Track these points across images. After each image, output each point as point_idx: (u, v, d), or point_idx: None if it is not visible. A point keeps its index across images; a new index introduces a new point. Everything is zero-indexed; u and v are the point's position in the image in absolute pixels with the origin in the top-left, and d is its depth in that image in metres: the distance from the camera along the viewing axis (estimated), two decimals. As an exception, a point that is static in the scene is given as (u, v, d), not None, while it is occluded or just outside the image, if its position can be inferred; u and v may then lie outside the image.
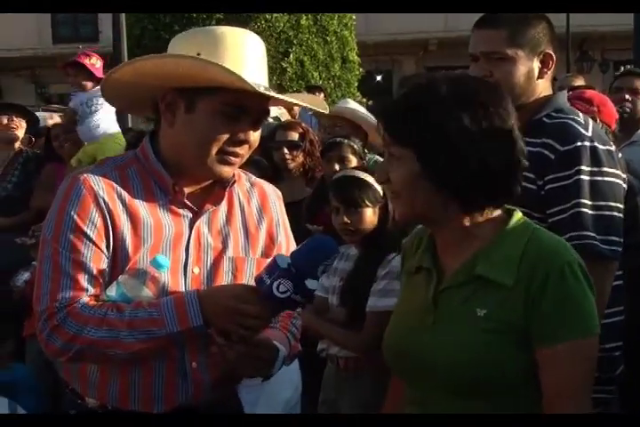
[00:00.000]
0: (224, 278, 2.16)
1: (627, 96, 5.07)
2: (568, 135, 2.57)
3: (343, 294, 3.34)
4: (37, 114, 6.70)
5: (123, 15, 10.29)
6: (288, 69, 13.35)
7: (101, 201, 2.06)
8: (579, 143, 2.54)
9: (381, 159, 4.92)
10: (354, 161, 4.42)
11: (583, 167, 2.52)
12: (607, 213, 2.53)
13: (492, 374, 1.78)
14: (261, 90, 2.04)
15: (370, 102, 13.57)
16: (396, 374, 2.08)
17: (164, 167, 2.14)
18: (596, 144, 2.56)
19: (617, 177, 2.59)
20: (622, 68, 19.88)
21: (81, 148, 5.77)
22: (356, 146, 4.48)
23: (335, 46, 14.14)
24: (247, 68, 2.05)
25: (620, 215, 2.57)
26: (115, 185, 2.10)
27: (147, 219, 2.09)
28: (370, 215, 3.35)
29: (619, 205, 2.57)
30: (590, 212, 2.51)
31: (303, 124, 5.00)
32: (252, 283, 2.03)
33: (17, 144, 5.75)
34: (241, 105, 2.05)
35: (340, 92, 13.87)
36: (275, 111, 6.67)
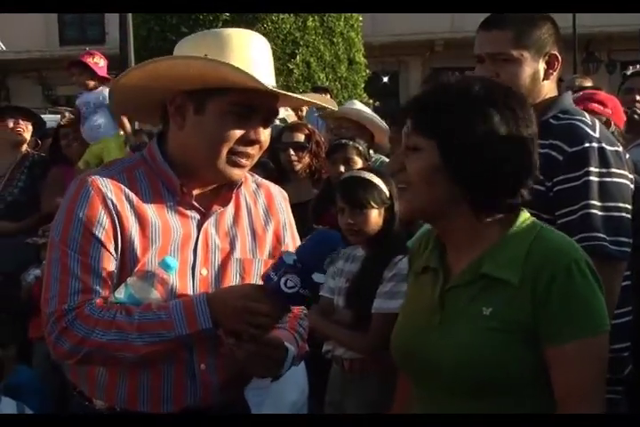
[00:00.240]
0: (232, 280, 2.16)
1: (637, 97, 5.05)
2: (576, 136, 2.57)
3: (349, 295, 3.35)
4: (44, 116, 6.71)
5: (129, 16, 10.32)
6: (294, 71, 13.33)
7: (109, 203, 2.06)
8: (587, 144, 2.54)
9: (387, 160, 4.94)
10: (359, 162, 4.43)
11: (592, 168, 2.52)
12: (616, 214, 2.54)
13: (497, 374, 1.78)
14: (271, 88, 2.05)
15: (376, 104, 13.57)
16: (404, 374, 2.08)
17: (171, 169, 2.14)
18: (603, 145, 2.56)
19: (625, 178, 2.60)
20: (630, 68, 19.87)
21: (87, 147, 5.77)
22: (361, 147, 4.49)
23: (342, 48, 14.11)
24: (254, 69, 2.05)
25: (629, 216, 2.57)
26: (123, 187, 2.10)
27: (155, 220, 2.09)
28: (375, 216, 3.35)
29: (627, 206, 2.58)
30: (599, 213, 2.51)
31: (309, 126, 5.00)
32: (260, 284, 2.03)
33: (24, 147, 5.76)
34: (250, 104, 2.05)
35: (347, 94, 13.84)
36: (282, 113, 6.68)
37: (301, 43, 13.57)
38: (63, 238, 2.05)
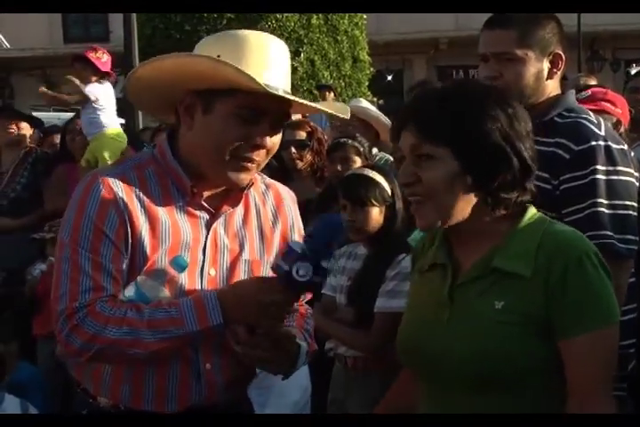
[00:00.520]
0: None
1: None
2: (582, 135, 2.57)
3: (351, 293, 3.35)
4: (49, 114, 6.72)
5: (134, 15, 10.31)
6: (299, 69, 13.33)
7: (120, 201, 2.05)
8: (593, 143, 2.55)
9: (392, 158, 4.93)
10: (357, 161, 4.43)
11: (598, 167, 2.53)
12: (623, 211, 2.55)
13: (506, 367, 1.79)
14: (280, 93, 2.02)
15: (380, 102, 13.57)
16: (411, 371, 2.08)
17: (181, 169, 2.13)
18: (610, 143, 2.57)
19: (631, 176, 2.61)
20: (634, 66, 19.85)
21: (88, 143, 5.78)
22: (359, 146, 4.48)
23: (346, 46, 14.13)
24: (267, 71, 2.03)
25: (635, 214, 2.58)
26: (133, 185, 2.09)
27: (164, 220, 2.09)
28: (375, 214, 3.35)
29: (634, 203, 2.59)
30: (607, 211, 2.52)
31: (311, 124, 4.97)
32: (269, 276, 2.04)
33: (27, 142, 5.78)
34: (258, 108, 2.02)
35: (351, 92, 13.86)
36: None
37: (305, 41, 13.59)
38: (74, 236, 2.04)
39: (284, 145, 4.69)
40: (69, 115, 7.48)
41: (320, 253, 1.93)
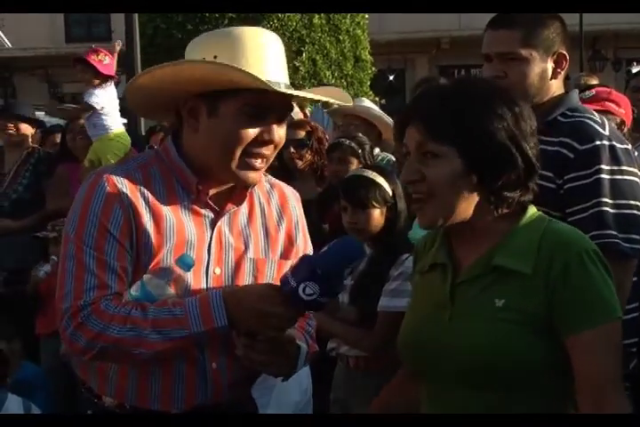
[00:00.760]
0: (245, 280, 2.16)
1: None
2: (586, 134, 2.58)
3: (354, 293, 3.35)
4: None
5: (135, 14, 10.29)
6: (300, 68, 13.32)
7: (125, 199, 2.05)
8: (598, 142, 2.55)
9: (394, 158, 4.92)
10: (354, 162, 4.42)
11: (603, 166, 2.54)
12: (627, 211, 2.55)
13: (506, 362, 1.79)
14: (282, 88, 2.03)
15: (382, 101, 13.55)
16: (412, 368, 2.09)
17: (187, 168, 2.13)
18: (614, 143, 2.57)
19: (635, 175, 2.62)
20: (635, 64, 19.82)
21: (91, 142, 5.77)
22: (357, 147, 4.47)
23: (348, 45, 14.11)
24: (266, 67, 2.04)
25: (639, 213, 2.58)
26: (138, 184, 2.09)
27: (169, 218, 2.09)
28: (377, 216, 3.35)
29: (638, 203, 2.60)
30: (611, 210, 2.53)
31: (312, 123, 4.96)
32: (276, 284, 2.02)
33: (29, 142, 5.78)
34: (263, 105, 2.03)
35: (353, 91, 13.82)
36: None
37: (307, 40, 13.57)
38: (78, 234, 2.04)
39: (284, 145, 4.68)
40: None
41: (332, 274, 1.90)
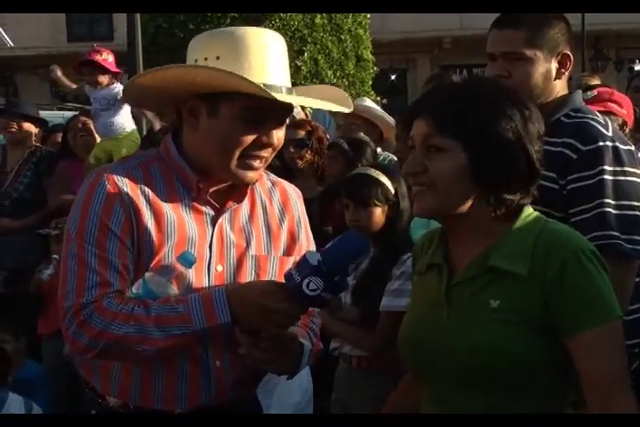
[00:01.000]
0: (247, 277, 2.16)
1: None
2: (589, 135, 2.58)
3: (356, 292, 3.35)
4: (54, 113, 6.70)
5: (137, 14, 10.30)
6: (302, 68, 13.32)
7: (125, 197, 2.06)
8: (601, 143, 2.55)
9: (395, 158, 4.92)
10: (341, 161, 4.46)
11: (606, 167, 2.54)
12: (630, 212, 2.55)
13: (502, 361, 1.79)
14: (283, 92, 2.04)
15: (384, 101, 13.56)
16: (413, 371, 2.09)
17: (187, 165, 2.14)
18: (617, 144, 2.57)
19: (638, 177, 2.61)
20: (637, 62, 19.80)
21: (94, 139, 5.76)
22: (346, 147, 4.49)
23: (349, 45, 14.11)
24: (269, 71, 2.04)
25: None
26: (138, 182, 2.10)
27: (170, 215, 2.09)
28: (378, 214, 3.35)
29: None
30: (614, 211, 2.52)
31: (312, 123, 4.97)
32: (279, 281, 2.02)
33: (32, 141, 5.77)
34: (263, 108, 2.03)
35: (355, 91, 13.83)
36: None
37: (309, 40, 13.57)
38: (80, 232, 2.04)
39: (284, 144, 4.68)
40: (73, 113, 7.47)
41: (336, 269, 1.89)
